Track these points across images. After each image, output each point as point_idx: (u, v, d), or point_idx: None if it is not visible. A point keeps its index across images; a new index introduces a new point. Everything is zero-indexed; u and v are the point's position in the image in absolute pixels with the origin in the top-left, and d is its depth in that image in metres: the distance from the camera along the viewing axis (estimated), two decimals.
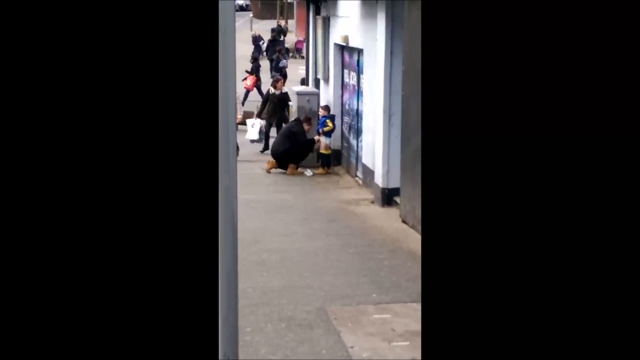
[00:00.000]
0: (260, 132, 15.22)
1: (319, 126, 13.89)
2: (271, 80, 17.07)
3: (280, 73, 23.71)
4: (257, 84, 22.17)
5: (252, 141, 15.29)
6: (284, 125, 15.22)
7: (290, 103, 15.61)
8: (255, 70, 22.23)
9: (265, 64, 26.81)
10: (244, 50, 31.41)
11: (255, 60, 22.60)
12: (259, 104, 16.85)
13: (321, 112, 14.10)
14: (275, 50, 25.69)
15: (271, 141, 14.81)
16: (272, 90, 15.57)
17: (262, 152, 15.41)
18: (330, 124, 13.78)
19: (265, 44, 30.68)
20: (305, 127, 13.72)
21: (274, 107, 15.41)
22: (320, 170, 13.72)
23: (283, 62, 24.53)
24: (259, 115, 15.49)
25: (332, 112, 14.19)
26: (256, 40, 30.93)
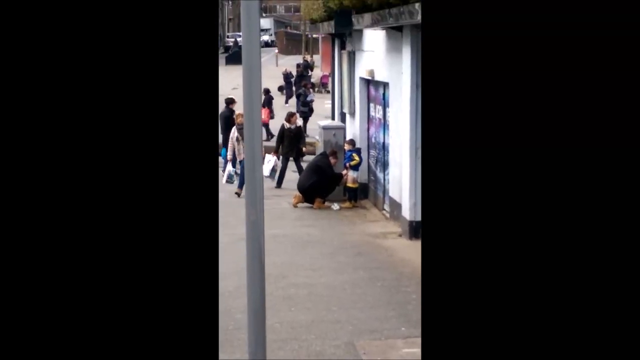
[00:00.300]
0: (273, 169, 15.23)
1: (346, 160, 13.90)
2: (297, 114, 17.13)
3: (307, 108, 23.85)
4: (271, 116, 22.39)
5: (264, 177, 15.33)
6: (301, 158, 15.32)
7: (305, 135, 15.65)
8: (267, 103, 22.35)
9: (290, 98, 27.10)
10: (268, 85, 31.63)
11: (267, 92, 22.80)
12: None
13: (347, 147, 14.11)
14: (302, 85, 25.84)
15: (293, 176, 14.84)
16: (287, 125, 15.62)
17: (276, 187, 15.41)
18: (357, 158, 13.79)
19: (293, 79, 30.94)
20: (332, 160, 13.72)
21: (290, 141, 15.47)
22: (347, 204, 13.69)
23: (310, 97, 24.66)
24: (277, 151, 15.54)
25: (357, 146, 14.20)
26: (287, 77, 31.23)
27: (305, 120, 23.60)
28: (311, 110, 24.13)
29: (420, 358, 5.94)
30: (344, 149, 14.18)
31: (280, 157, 15.57)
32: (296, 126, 15.83)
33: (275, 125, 19.09)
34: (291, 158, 15.68)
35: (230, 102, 17.45)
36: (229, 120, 16.25)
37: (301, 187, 13.70)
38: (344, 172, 13.75)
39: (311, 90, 26.74)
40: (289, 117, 15.86)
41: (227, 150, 15.23)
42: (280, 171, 15.60)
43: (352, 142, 14.18)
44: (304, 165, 15.13)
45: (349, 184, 13.85)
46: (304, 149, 16.20)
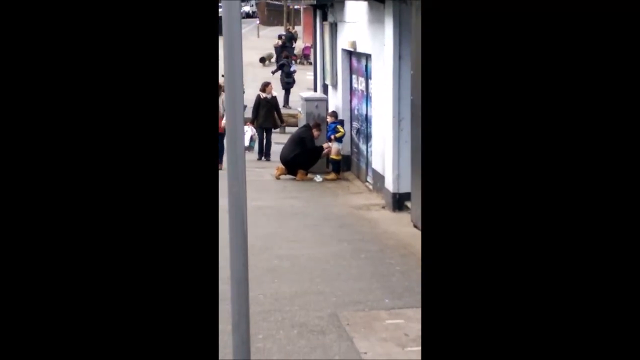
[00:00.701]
0: (252, 139, 15.11)
1: (330, 132, 13.89)
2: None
3: (291, 79, 23.78)
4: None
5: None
6: (273, 130, 15.33)
7: (288, 107, 15.59)
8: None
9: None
10: (250, 57, 31.47)
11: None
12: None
13: (329, 119, 14.09)
14: (284, 57, 25.71)
15: (276, 148, 14.83)
16: (262, 95, 15.52)
17: (259, 159, 15.39)
18: (342, 130, 13.79)
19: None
20: (315, 133, 13.71)
21: (267, 111, 15.41)
22: (330, 176, 13.71)
23: (292, 68, 24.58)
24: (253, 122, 15.42)
25: (340, 118, 14.18)
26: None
27: (288, 91, 23.53)
28: (294, 81, 24.07)
29: (403, 329, 6.00)
30: (327, 121, 14.17)
31: (257, 129, 15.45)
32: (272, 96, 15.73)
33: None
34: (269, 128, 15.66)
35: (265, 85, 17.18)
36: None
37: (284, 159, 13.69)
38: (325, 144, 13.73)
39: (293, 61, 26.64)
40: (264, 86, 15.72)
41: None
42: (261, 142, 15.53)
43: (334, 114, 14.16)
44: (279, 136, 15.11)
45: (333, 156, 13.86)
46: (279, 119, 16.12)
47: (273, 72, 25.74)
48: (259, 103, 15.52)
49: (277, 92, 18.05)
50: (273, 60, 32.94)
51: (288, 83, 23.73)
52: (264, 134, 15.60)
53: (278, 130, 16.73)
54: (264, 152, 15.55)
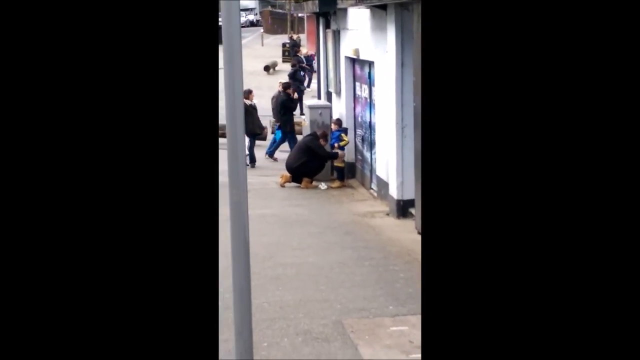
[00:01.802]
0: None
1: (333, 140, 13.90)
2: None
3: (300, 84, 23.73)
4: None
5: None
6: (251, 138, 15.44)
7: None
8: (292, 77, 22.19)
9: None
10: (253, 65, 31.52)
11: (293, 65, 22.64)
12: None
13: (334, 127, 14.11)
14: (292, 64, 25.67)
15: (282, 155, 14.86)
16: (246, 102, 15.53)
17: (250, 166, 15.40)
18: (346, 138, 13.81)
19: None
20: (322, 142, 13.69)
21: (253, 118, 15.45)
22: (335, 184, 13.72)
23: (300, 75, 24.48)
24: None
25: (344, 125, 14.20)
26: (306, 61, 29.52)
27: (300, 98, 23.48)
28: (304, 87, 24.04)
29: (407, 336, 6.00)
30: (331, 129, 14.19)
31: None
32: (252, 103, 15.76)
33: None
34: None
35: (286, 87, 17.19)
36: (285, 104, 16.00)
37: (289, 167, 13.70)
38: (340, 151, 13.75)
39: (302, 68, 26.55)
40: (247, 94, 15.70)
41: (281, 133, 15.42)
42: (250, 148, 15.51)
43: (339, 121, 14.17)
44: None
45: (337, 163, 13.88)
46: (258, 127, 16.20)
47: (309, 85, 25.20)
48: (246, 110, 15.48)
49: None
50: (278, 68, 32.96)
51: (300, 89, 23.60)
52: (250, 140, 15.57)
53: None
54: (251, 159, 15.53)
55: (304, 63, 24.47)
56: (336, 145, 13.78)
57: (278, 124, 16.39)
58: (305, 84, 23.99)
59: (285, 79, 21.60)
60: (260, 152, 16.36)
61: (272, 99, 17.23)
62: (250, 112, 15.41)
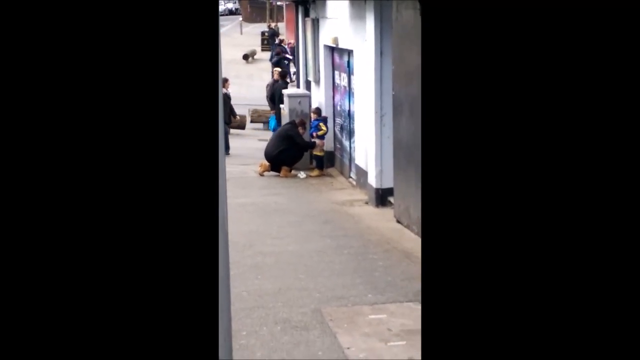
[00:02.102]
0: None
1: (312, 129, 13.90)
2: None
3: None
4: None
5: None
6: (226, 126, 15.50)
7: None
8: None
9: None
10: (232, 54, 31.43)
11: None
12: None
13: (313, 116, 14.11)
14: (275, 53, 25.59)
15: (260, 144, 14.85)
16: (223, 90, 15.56)
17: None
18: (324, 128, 13.81)
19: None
20: (301, 130, 13.70)
21: (226, 107, 15.51)
22: (314, 172, 13.73)
23: (284, 63, 24.34)
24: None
25: (323, 114, 14.20)
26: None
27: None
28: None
29: (385, 324, 6.03)
30: (310, 118, 14.19)
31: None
32: (226, 92, 15.82)
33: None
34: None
35: (283, 75, 17.18)
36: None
37: (269, 155, 13.69)
38: (318, 141, 13.77)
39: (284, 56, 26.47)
40: (223, 82, 15.74)
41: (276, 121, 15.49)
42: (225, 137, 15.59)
43: (318, 110, 14.18)
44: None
45: (316, 152, 13.89)
46: (234, 117, 16.27)
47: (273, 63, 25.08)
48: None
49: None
50: (257, 57, 32.88)
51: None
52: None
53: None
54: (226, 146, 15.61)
55: (287, 53, 24.37)
56: (315, 134, 13.78)
57: (273, 112, 16.42)
58: (292, 72, 23.93)
59: (264, 67, 21.49)
60: (238, 142, 16.33)
61: (267, 86, 17.24)
62: (225, 101, 15.43)
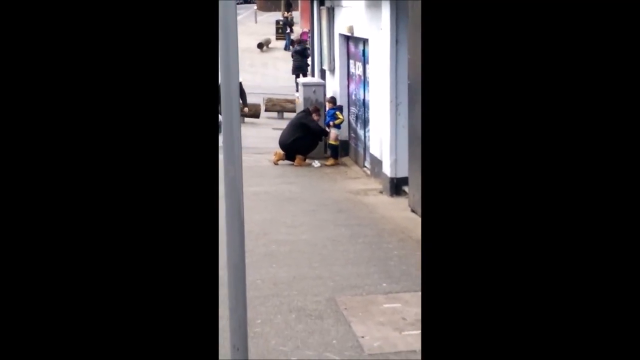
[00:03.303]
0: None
1: (328, 119, 13.89)
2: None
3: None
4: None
5: None
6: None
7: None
8: None
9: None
10: (247, 42, 31.40)
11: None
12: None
13: (328, 105, 14.09)
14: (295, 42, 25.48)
15: (274, 133, 14.84)
16: None
17: None
18: (341, 116, 13.80)
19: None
20: (315, 117, 13.70)
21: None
22: (328, 162, 13.72)
23: (308, 52, 24.15)
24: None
25: (338, 103, 14.17)
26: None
27: (298, 76, 23.24)
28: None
29: (400, 313, 6.03)
30: (325, 106, 14.17)
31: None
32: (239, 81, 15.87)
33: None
34: None
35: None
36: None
37: (283, 144, 13.69)
38: (333, 130, 13.76)
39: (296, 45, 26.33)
40: None
41: None
42: None
43: (333, 99, 14.15)
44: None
45: (331, 141, 13.88)
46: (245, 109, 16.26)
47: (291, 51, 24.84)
48: None
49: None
50: (271, 45, 32.85)
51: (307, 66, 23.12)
52: None
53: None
54: None
55: (309, 49, 24.29)
56: (331, 123, 13.77)
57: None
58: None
59: (279, 56, 21.44)
60: (253, 130, 16.32)
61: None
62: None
